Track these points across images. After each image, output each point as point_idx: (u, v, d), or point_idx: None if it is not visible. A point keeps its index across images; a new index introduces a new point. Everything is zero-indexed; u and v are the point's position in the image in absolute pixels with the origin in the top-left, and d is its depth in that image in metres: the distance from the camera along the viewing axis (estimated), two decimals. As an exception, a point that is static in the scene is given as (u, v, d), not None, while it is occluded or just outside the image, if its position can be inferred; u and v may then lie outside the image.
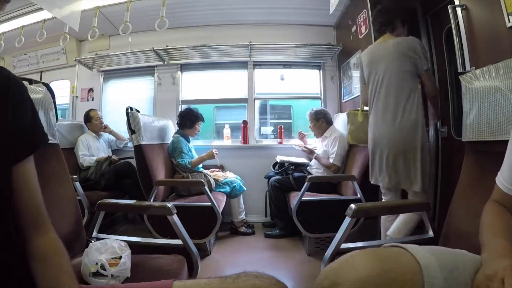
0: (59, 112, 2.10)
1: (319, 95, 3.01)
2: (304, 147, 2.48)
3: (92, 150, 2.52)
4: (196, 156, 2.47)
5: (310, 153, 2.43)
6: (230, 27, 2.93)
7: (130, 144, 2.57)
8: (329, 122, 2.42)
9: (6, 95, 0.48)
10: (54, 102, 0.93)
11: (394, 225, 1.38)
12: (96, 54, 2.90)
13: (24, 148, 0.50)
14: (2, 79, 0.48)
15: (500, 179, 0.62)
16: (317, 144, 2.61)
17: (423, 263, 0.46)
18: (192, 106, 2.92)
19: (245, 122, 2.86)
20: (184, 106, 3.01)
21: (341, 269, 0.48)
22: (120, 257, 0.87)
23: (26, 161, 0.50)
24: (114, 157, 2.54)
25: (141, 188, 1.96)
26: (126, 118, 1.94)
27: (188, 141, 2.43)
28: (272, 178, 2.38)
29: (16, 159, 0.48)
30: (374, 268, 0.44)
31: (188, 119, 2.40)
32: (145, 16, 2.53)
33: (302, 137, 2.65)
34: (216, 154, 2.37)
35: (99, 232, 1.09)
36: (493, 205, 0.63)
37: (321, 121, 2.40)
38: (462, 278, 0.48)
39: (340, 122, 2.50)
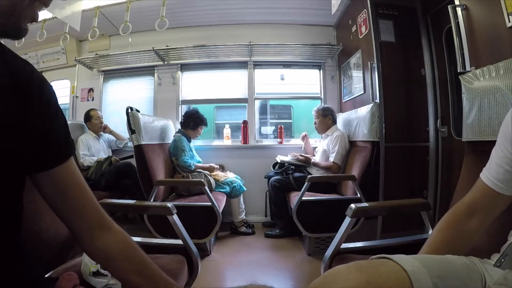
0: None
1: (319, 95, 3.00)
2: (300, 155, 2.42)
3: (92, 150, 2.52)
4: (196, 157, 2.49)
5: (306, 162, 2.38)
6: (230, 27, 2.93)
7: (130, 144, 2.57)
8: (334, 121, 2.42)
9: (26, 94, 0.43)
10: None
11: None
12: (96, 54, 2.90)
13: (60, 152, 0.48)
14: (25, 75, 0.44)
15: (486, 174, 0.61)
16: (317, 144, 2.61)
17: (409, 269, 0.46)
18: (193, 106, 2.94)
19: (245, 122, 2.86)
20: (184, 106, 3.01)
21: (326, 284, 0.48)
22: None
23: (67, 163, 0.48)
24: (114, 157, 2.54)
25: (141, 188, 1.96)
26: (126, 118, 1.94)
27: (189, 141, 2.43)
28: (272, 178, 2.38)
29: (53, 164, 0.46)
30: (356, 280, 0.45)
31: (193, 121, 2.40)
32: (145, 16, 2.53)
33: (304, 137, 2.65)
34: (215, 168, 2.47)
35: (99, 232, 1.09)
36: (450, 217, 0.63)
37: (328, 118, 2.40)
38: (453, 285, 0.48)
39: (341, 122, 2.50)
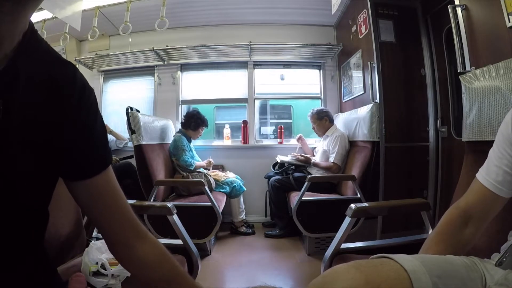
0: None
1: (319, 95, 3.00)
2: (300, 155, 2.41)
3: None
4: (196, 156, 2.49)
5: (306, 162, 2.37)
6: (230, 27, 2.93)
7: (130, 144, 2.57)
8: (331, 120, 2.42)
9: (66, 101, 0.40)
10: None
11: None
12: (96, 54, 2.89)
13: (96, 162, 0.47)
14: (67, 81, 0.41)
15: (484, 175, 0.61)
16: (317, 144, 2.61)
17: (409, 269, 0.46)
18: (193, 106, 2.94)
19: (245, 122, 2.86)
20: (184, 106, 3.01)
21: (325, 283, 0.48)
22: (121, 257, 0.87)
23: (104, 173, 0.48)
24: (114, 157, 2.54)
25: (141, 188, 1.96)
26: (126, 118, 1.94)
27: (189, 141, 2.43)
28: (272, 178, 2.38)
29: (90, 174, 0.46)
30: (355, 279, 0.45)
31: (194, 121, 2.40)
32: (145, 16, 2.53)
33: (298, 139, 2.64)
34: (212, 164, 2.51)
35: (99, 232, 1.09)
36: (445, 227, 0.62)
37: (324, 120, 2.39)
38: (453, 285, 0.47)
39: (341, 122, 2.50)
